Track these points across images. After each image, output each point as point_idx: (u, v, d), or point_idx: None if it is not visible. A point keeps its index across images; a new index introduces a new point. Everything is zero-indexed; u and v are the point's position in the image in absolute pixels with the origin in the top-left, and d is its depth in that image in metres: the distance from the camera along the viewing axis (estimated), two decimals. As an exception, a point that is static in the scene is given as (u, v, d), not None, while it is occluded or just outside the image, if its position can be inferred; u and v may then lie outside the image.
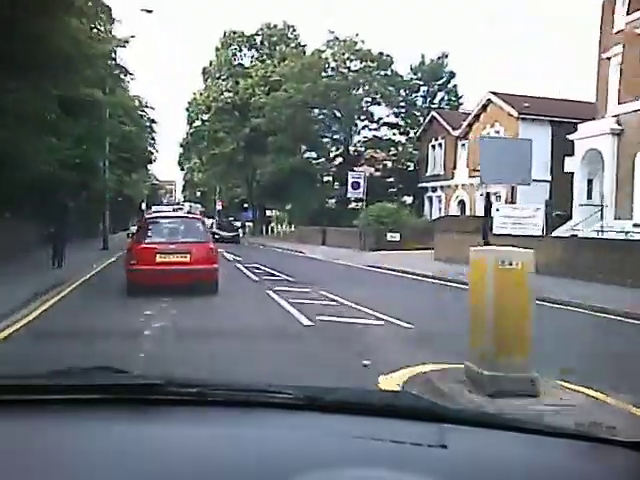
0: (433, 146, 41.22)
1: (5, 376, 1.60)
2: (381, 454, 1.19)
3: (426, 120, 41.60)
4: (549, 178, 32.82)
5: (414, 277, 16.81)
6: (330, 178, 43.59)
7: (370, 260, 22.60)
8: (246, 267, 18.29)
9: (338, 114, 42.98)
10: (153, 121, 36.88)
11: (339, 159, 44.49)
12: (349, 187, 29.44)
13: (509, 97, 34.64)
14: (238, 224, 61.40)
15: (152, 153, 37.68)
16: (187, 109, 50.37)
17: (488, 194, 17.53)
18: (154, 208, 56.55)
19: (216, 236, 36.48)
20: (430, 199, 41.05)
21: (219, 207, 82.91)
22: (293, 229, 43.96)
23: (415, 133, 44.16)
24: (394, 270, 18.47)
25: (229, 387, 1.49)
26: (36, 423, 1.29)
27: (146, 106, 36.87)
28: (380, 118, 44.79)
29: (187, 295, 10.83)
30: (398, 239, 29.73)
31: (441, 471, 1.12)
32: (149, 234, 12.04)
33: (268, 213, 56.92)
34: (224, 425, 1.34)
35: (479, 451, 1.25)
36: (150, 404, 1.37)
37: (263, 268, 17.87)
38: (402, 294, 12.74)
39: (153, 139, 37.57)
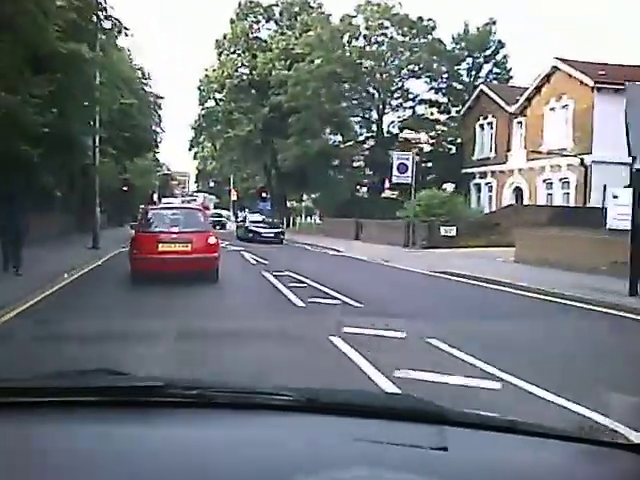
0: (481, 125, 35.67)
1: (4, 378, 1.61)
2: (382, 456, 1.19)
3: (473, 95, 36.05)
4: (629, 160, 27.35)
5: (530, 294, 11.43)
6: (361, 163, 38.14)
7: (435, 263, 17.29)
8: (277, 277, 12.99)
9: (371, 89, 37.53)
10: (158, 97, 31.74)
11: (370, 142, 39.05)
12: (394, 170, 24.13)
13: (579, 64, 29.04)
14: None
15: (158, 133, 32.49)
16: (199, 87, 45.10)
17: (640, 171, 12.14)
18: (164, 200, 51.76)
19: (250, 234, 28.41)
20: (477, 186, 35.55)
21: (234, 198, 77.98)
22: (319, 221, 38.64)
23: (458, 112, 38.64)
24: (485, 281, 13.12)
25: (229, 389, 1.46)
26: (35, 425, 1.28)
27: (149, 78, 31.74)
28: (416, 95, 39.27)
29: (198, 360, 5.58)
30: (454, 234, 24.40)
31: (442, 473, 1.12)
32: (151, 224, 12.37)
33: (289, 204, 51.75)
34: (224, 427, 1.33)
35: (480, 453, 1.24)
36: (150, 406, 1.35)
37: (302, 279, 12.61)
38: (583, 346, 7.15)
39: (159, 117, 32.41)
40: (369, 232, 29.60)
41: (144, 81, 31.57)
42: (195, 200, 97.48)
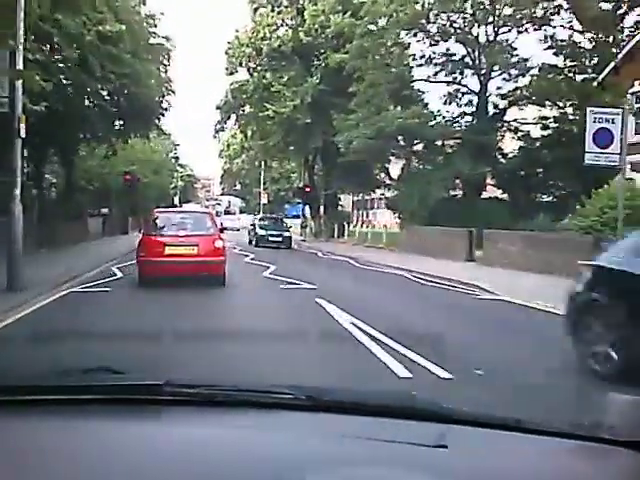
0: (636, 94, 24.49)
1: (5, 377, 1.60)
2: (382, 454, 1.18)
3: (622, 51, 24.81)
4: None
5: None
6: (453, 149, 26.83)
7: None
8: None
9: (470, 47, 26.45)
10: (166, 38, 21.08)
11: (463, 120, 27.86)
12: (588, 142, 12.96)
13: None
14: (293, 222, 45.63)
15: (164, 96, 21.61)
16: (226, 52, 34.32)
17: None
18: (184, 207, 41.50)
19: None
20: (630, 183, 24.22)
21: (264, 201, 67.75)
22: (399, 230, 27.56)
23: (584, 80, 27.32)
24: None
25: (229, 388, 1.44)
26: (35, 423, 1.28)
27: (154, 18, 20.97)
28: (524, 59, 27.95)
29: None
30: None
31: (441, 471, 1.12)
32: (159, 227, 12.24)
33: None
34: (224, 425, 1.32)
35: (479, 451, 1.24)
36: (150, 404, 1.36)
37: None
38: None
39: (166, 71, 21.62)
40: (493, 249, 18.50)
41: (149, 20, 20.89)
42: (219, 204, 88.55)
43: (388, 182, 35.41)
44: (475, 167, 24.10)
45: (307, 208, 42.22)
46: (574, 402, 1.77)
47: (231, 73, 34.62)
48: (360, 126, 24.78)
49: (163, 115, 22.10)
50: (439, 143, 26.18)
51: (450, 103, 28.92)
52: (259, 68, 33.72)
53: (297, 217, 59.69)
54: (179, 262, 11.27)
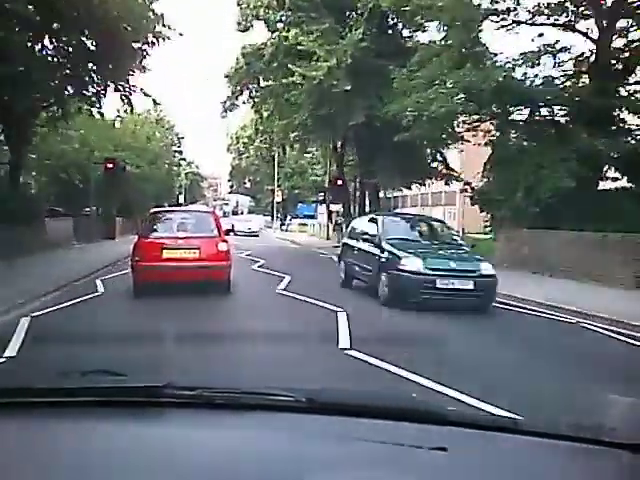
0: None
1: (4, 379, 1.60)
2: (381, 456, 1.17)
3: None
4: None
5: None
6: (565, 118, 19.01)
7: None
8: None
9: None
10: None
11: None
12: None
13: None
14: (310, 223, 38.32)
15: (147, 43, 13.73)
16: (239, 3, 26.58)
17: None
18: (189, 207, 33.97)
19: None
20: None
21: (278, 199, 60.32)
22: (489, 235, 19.79)
23: None
24: None
25: (229, 390, 1.43)
26: (35, 425, 1.27)
27: None
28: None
29: None
30: None
31: (441, 473, 1.11)
32: (156, 228, 11.29)
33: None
34: (224, 427, 1.31)
35: (479, 453, 1.23)
36: (150, 407, 1.34)
37: None
38: None
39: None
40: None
41: None
42: (226, 204, 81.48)
43: (445, 171, 27.83)
44: (612, 145, 16.31)
45: (329, 206, 35.35)
46: (574, 404, 1.74)
47: (244, 29, 26.80)
48: (435, 85, 17.00)
49: (145, 54, 14.21)
50: (545, 111, 18.35)
51: (535, 64, 21.01)
52: (280, 25, 25.99)
53: (311, 217, 52.33)
54: (179, 267, 10.30)
